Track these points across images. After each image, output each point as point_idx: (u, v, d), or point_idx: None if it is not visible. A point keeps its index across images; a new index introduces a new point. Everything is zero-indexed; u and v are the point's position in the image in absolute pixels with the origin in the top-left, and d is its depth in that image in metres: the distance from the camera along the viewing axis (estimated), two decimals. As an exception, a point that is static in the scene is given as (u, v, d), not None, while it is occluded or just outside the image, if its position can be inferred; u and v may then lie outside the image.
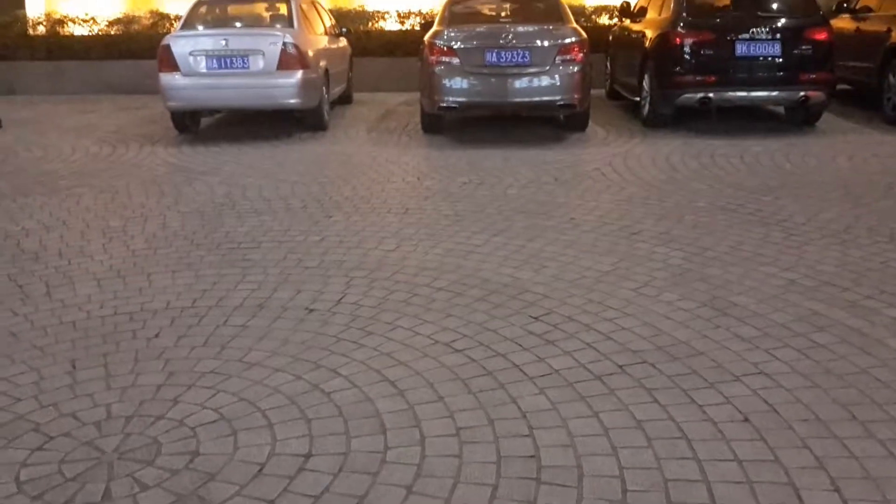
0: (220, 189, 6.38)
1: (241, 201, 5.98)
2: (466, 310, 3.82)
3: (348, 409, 2.90)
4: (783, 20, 8.22)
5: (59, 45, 13.10)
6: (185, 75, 8.21)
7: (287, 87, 8.24)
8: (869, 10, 9.39)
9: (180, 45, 8.24)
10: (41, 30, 13.56)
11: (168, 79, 8.25)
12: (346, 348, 3.41)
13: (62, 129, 9.38)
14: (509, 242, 4.86)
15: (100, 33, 13.45)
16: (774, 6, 8.60)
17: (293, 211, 5.69)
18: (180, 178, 6.78)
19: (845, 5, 9.88)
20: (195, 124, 9.04)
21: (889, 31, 8.62)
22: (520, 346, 3.41)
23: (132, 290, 4.17)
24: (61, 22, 13.56)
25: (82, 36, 13.45)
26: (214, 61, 8.19)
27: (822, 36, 8.12)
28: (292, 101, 8.36)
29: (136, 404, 2.97)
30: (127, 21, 13.54)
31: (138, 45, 12.53)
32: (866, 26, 9.24)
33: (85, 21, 13.57)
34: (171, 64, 8.22)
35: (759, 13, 8.31)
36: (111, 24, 13.55)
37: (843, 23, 9.54)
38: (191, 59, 8.19)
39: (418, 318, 3.73)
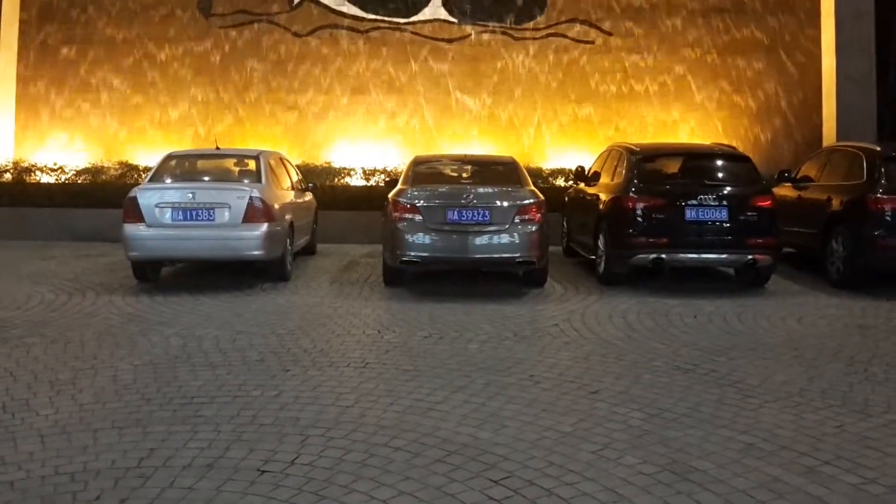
0: (176, 341, 6.28)
1: (196, 354, 5.88)
2: (425, 472, 3.72)
3: (298, 583, 2.74)
4: (729, 188, 8.70)
5: (23, 193, 13.21)
6: (149, 226, 8.27)
7: (251, 240, 8.35)
8: (809, 179, 10.00)
9: (147, 197, 8.36)
10: (7, 177, 13.68)
11: (131, 229, 8.29)
12: (299, 514, 3.27)
13: (19, 275, 9.28)
14: (469, 400, 4.82)
15: (66, 182, 13.62)
16: (720, 175, 9.13)
17: (249, 364, 5.60)
18: (136, 329, 6.68)
19: (786, 175, 10.50)
20: (155, 273, 9.02)
21: (829, 199, 9.15)
22: (479, 512, 3.30)
23: (76, 447, 4.00)
24: (28, 170, 13.74)
25: (48, 184, 13.61)
26: (180, 213, 8.30)
27: (765, 203, 8.58)
28: (255, 252, 8.44)
29: (68, 576, 2.77)
30: (95, 171, 13.77)
31: (104, 194, 12.68)
32: (808, 195, 9.79)
33: (53, 170, 13.77)
34: (135, 215, 8.30)
35: (706, 181, 8.79)
36: (79, 173, 13.77)
37: (785, 191, 10.11)
38: (156, 210, 8.29)
39: (375, 480, 3.62)
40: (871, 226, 8.37)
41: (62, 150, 14.31)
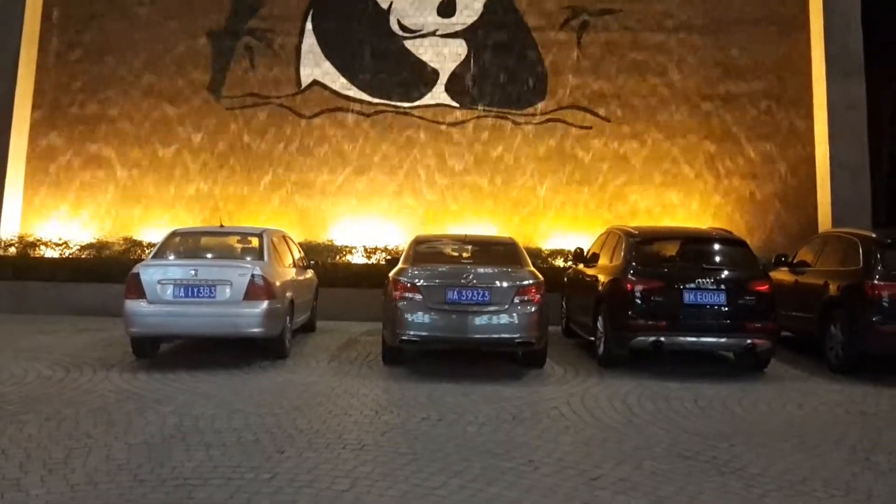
0: (172, 419, 6.23)
1: (191, 433, 5.83)
2: (420, 561, 3.65)
3: None
4: (727, 272, 8.76)
5: (26, 266, 13.29)
6: (150, 302, 8.30)
7: (251, 317, 8.37)
8: (805, 264, 10.07)
9: (149, 274, 8.41)
10: (12, 251, 13.79)
11: (133, 305, 8.32)
12: None
13: (17, 349, 9.25)
14: (467, 486, 4.75)
15: (70, 256, 13.73)
16: (717, 259, 9.20)
17: (245, 445, 5.54)
18: (132, 407, 6.63)
19: (783, 259, 10.59)
20: (154, 349, 9.01)
21: (826, 285, 9.20)
22: None
23: (66, 529, 3.94)
24: (33, 245, 13.86)
25: (51, 258, 13.72)
26: (182, 290, 8.34)
27: (763, 287, 8.62)
28: (255, 330, 8.45)
29: None
30: (99, 246, 13.90)
31: (106, 269, 12.76)
32: (805, 279, 9.85)
33: (57, 245, 13.90)
34: (137, 291, 8.34)
35: (704, 265, 8.86)
36: (83, 248, 13.89)
37: (782, 275, 10.17)
38: (158, 287, 8.33)
39: (369, 569, 3.55)
40: (869, 311, 8.40)
41: (67, 226, 14.48)
